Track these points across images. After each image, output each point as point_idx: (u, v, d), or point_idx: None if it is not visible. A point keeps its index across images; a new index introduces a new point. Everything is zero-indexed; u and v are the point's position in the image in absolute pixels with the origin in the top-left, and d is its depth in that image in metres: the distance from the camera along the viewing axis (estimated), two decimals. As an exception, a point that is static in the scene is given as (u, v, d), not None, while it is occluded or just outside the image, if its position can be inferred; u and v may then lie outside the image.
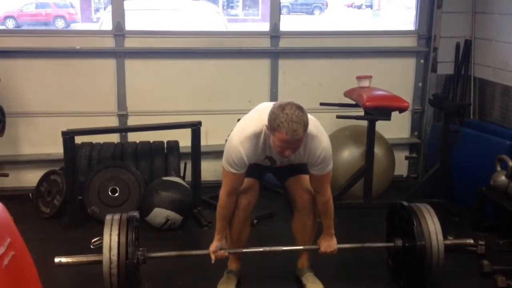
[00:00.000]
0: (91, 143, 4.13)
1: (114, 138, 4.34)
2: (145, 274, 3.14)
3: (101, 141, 4.17)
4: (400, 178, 4.84)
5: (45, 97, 4.34)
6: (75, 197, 3.81)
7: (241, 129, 2.64)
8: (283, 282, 3.12)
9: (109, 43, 4.34)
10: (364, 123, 4.10)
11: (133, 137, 4.32)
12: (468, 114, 4.57)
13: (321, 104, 4.28)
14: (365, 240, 3.64)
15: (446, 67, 4.68)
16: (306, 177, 2.86)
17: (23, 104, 4.30)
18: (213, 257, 2.83)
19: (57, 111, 4.34)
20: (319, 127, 2.64)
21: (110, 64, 4.35)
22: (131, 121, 4.38)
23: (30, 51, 4.26)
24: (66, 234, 3.70)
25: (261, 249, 3.02)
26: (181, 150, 4.21)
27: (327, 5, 15.70)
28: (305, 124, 2.43)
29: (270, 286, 3.10)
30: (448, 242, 2.99)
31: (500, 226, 3.72)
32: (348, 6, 15.31)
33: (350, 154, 4.16)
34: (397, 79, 4.67)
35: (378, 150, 4.14)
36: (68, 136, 3.71)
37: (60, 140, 3.72)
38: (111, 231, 2.70)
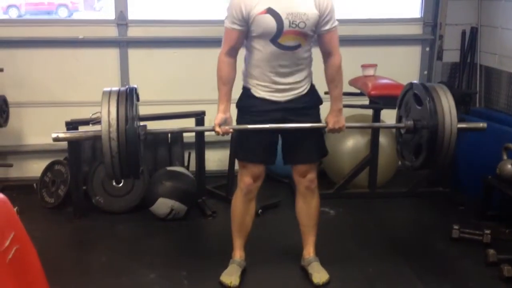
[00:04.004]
0: (95, 137, 4.11)
1: (118, 128, 4.32)
2: (149, 264, 3.15)
3: (105, 131, 4.15)
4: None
5: (48, 87, 4.33)
6: (80, 187, 3.80)
7: None
8: (289, 272, 3.09)
9: (112, 32, 4.32)
10: (369, 112, 4.08)
11: (136, 127, 4.30)
12: (474, 103, 4.53)
13: (326, 93, 4.24)
14: (369, 230, 3.66)
15: (451, 55, 4.64)
16: (312, 165, 2.88)
17: (27, 94, 4.29)
18: (218, 129, 2.70)
19: (61, 101, 4.33)
20: None
21: (113, 53, 4.33)
22: (135, 111, 4.36)
23: (33, 40, 4.24)
24: (70, 224, 3.70)
25: (267, 126, 2.75)
26: (185, 140, 4.19)
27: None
28: None
29: (276, 276, 3.08)
30: (461, 125, 2.82)
31: (506, 215, 3.70)
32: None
33: (355, 143, 4.14)
34: (402, 68, 4.62)
35: (383, 139, 4.12)
36: (72, 126, 3.70)
37: (64, 130, 3.71)
38: (109, 99, 2.54)
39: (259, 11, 2.59)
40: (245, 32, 2.67)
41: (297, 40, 2.66)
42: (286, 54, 2.68)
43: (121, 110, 2.52)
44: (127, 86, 2.68)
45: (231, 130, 2.76)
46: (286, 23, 2.60)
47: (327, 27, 2.69)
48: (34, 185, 4.10)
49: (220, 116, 2.73)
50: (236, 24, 2.64)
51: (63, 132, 2.70)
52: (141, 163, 2.69)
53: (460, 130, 2.78)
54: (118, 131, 2.49)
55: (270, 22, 2.60)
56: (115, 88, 2.63)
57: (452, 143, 2.73)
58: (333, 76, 2.82)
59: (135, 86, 2.72)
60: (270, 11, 2.59)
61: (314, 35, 2.71)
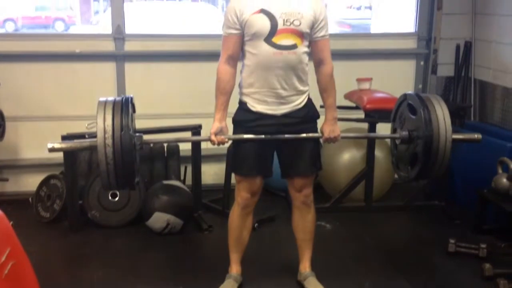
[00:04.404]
0: (91, 147, 4.11)
1: (114, 141, 4.32)
2: (145, 278, 3.14)
3: (101, 145, 4.15)
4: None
5: (45, 101, 4.33)
6: (75, 201, 3.79)
7: None
8: (286, 287, 3.08)
9: (109, 46, 4.33)
10: (365, 125, 4.09)
11: (133, 140, 4.29)
12: (469, 116, 4.55)
13: (321, 106, 4.26)
14: (365, 244, 3.66)
15: (446, 69, 4.67)
16: (308, 180, 2.89)
17: (23, 108, 4.29)
18: (213, 138, 2.72)
19: (57, 115, 4.33)
20: None
21: (110, 67, 4.34)
22: (131, 125, 4.36)
23: (30, 54, 4.24)
24: (66, 238, 3.69)
25: (262, 137, 2.76)
26: (182, 154, 4.20)
27: (326, 7, 15.68)
28: None
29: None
30: (456, 136, 2.82)
31: (502, 229, 3.71)
32: (348, 8, 15.30)
33: (351, 157, 4.14)
34: (397, 81, 4.65)
35: (378, 153, 4.13)
36: (68, 140, 3.70)
37: (60, 143, 3.70)
38: (105, 108, 2.54)
39: (253, 11, 2.64)
40: (241, 37, 2.69)
41: (293, 39, 2.66)
42: (282, 55, 2.66)
43: (117, 117, 2.52)
44: (122, 96, 2.69)
45: (226, 139, 2.77)
46: (280, 21, 2.63)
47: (322, 33, 2.72)
48: (30, 199, 4.08)
49: (216, 125, 2.74)
50: (232, 29, 2.68)
51: (59, 143, 2.70)
52: (136, 172, 2.68)
53: (455, 141, 2.80)
54: (114, 137, 2.49)
55: (263, 20, 2.63)
56: (111, 98, 2.64)
57: (447, 151, 2.74)
58: (325, 85, 2.83)
59: (131, 95, 2.72)
60: (263, 11, 2.64)
61: (309, 38, 2.72)
